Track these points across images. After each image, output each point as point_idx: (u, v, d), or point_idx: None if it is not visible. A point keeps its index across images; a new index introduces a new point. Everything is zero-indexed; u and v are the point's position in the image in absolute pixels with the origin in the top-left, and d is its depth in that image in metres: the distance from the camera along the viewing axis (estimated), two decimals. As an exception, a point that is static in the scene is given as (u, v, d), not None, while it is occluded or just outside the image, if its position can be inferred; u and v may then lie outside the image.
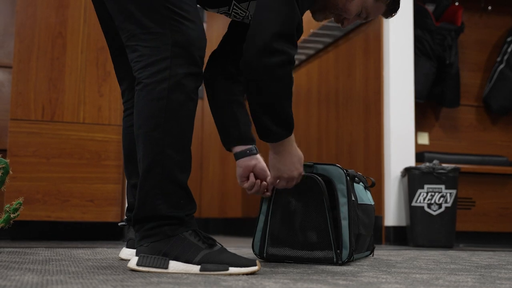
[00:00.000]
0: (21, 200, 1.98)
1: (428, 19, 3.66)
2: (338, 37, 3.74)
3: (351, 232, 1.64)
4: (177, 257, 1.32)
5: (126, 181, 1.82)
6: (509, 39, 3.95)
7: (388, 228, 3.12)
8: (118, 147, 2.93)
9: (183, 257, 1.32)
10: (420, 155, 3.41)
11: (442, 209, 2.95)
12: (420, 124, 3.72)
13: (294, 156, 1.57)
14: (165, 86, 1.35)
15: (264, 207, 1.72)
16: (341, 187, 1.66)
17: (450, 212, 2.96)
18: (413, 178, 2.97)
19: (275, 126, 1.48)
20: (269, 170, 1.62)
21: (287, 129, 1.50)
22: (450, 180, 2.95)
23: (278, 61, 1.41)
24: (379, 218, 3.13)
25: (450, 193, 2.96)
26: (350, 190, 1.67)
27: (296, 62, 4.38)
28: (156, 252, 1.32)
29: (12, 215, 1.93)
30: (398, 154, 3.14)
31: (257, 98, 1.47)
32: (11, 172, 1.98)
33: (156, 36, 1.36)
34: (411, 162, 3.14)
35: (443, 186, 2.95)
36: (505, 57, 3.91)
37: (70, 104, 2.91)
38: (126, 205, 1.84)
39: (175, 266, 1.31)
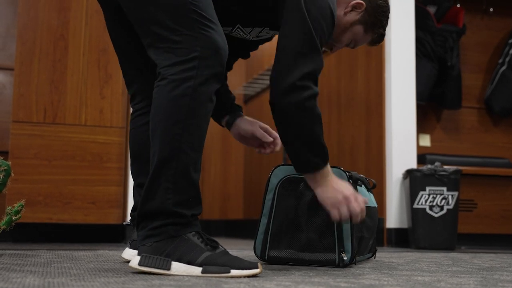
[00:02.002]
0: (22, 202, 1.98)
1: (430, 20, 3.66)
2: (339, 39, 3.74)
3: (353, 235, 1.64)
4: (180, 258, 1.32)
5: (133, 182, 1.81)
6: (510, 41, 3.95)
7: (389, 230, 3.11)
8: (120, 149, 2.94)
9: (185, 258, 1.32)
10: (422, 157, 3.40)
11: (444, 211, 2.95)
12: (422, 126, 3.72)
13: (336, 181, 1.57)
14: (190, 84, 1.39)
15: (266, 209, 1.72)
16: None
17: (452, 214, 2.96)
18: (414, 180, 2.97)
19: (313, 156, 1.54)
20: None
21: (323, 158, 1.55)
22: (451, 182, 2.95)
23: (306, 96, 1.49)
24: (381, 220, 3.13)
25: (452, 195, 2.96)
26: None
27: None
28: (159, 252, 1.33)
29: (13, 217, 1.93)
30: (399, 156, 3.14)
31: (293, 131, 1.53)
32: (12, 174, 1.98)
33: (186, 38, 1.41)
34: (413, 164, 3.14)
35: (444, 188, 2.95)
36: (507, 59, 3.91)
37: (72, 106, 2.91)
38: (132, 205, 1.84)
39: (177, 267, 1.31)
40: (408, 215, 3.03)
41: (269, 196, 1.72)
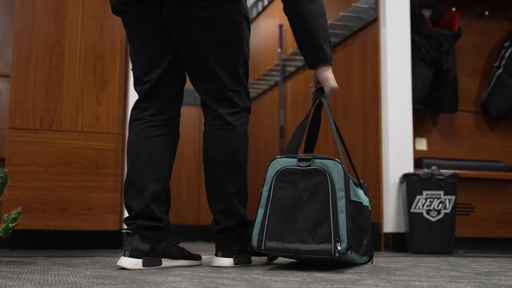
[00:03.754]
0: (19, 209, 1.97)
1: (425, 24, 3.67)
2: (335, 43, 3.74)
3: (348, 225, 1.64)
4: (252, 252, 1.89)
5: (136, 186, 1.78)
6: (506, 44, 3.97)
7: (387, 234, 3.11)
8: (116, 155, 2.93)
9: (253, 252, 1.89)
10: (419, 161, 3.41)
11: (441, 215, 2.95)
12: (418, 130, 3.72)
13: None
14: (246, 127, 1.90)
15: (263, 200, 1.73)
16: (339, 180, 1.66)
17: (449, 218, 2.96)
18: (411, 184, 2.97)
19: (328, 48, 1.86)
20: (325, 84, 1.91)
21: (331, 51, 1.89)
22: (449, 186, 2.95)
23: None
24: (378, 224, 3.13)
25: (449, 199, 2.96)
26: (348, 185, 1.68)
27: (293, 69, 4.38)
28: (244, 252, 1.88)
29: (10, 225, 1.92)
30: (396, 160, 3.14)
31: (311, 16, 1.83)
32: (9, 181, 1.98)
33: (245, 90, 1.90)
34: (410, 168, 3.14)
35: (442, 192, 2.95)
36: (503, 62, 3.92)
37: (68, 113, 2.91)
38: (133, 213, 1.77)
39: (253, 259, 1.91)
40: (406, 219, 3.03)
41: (266, 188, 1.74)
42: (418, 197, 2.95)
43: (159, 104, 1.86)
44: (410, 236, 2.98)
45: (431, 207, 2.95)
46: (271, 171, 1.74)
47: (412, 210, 2.96)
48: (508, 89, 3.87)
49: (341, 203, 1.65)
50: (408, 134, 3.19)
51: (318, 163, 1.70)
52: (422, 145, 3.75)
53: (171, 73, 1.87)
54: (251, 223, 1.81)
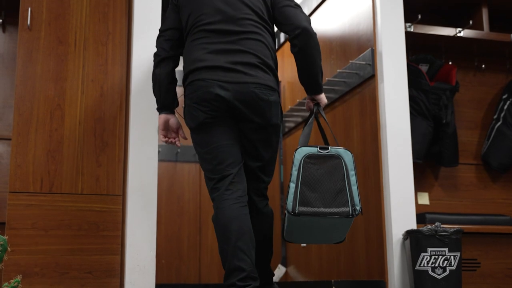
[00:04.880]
0: (19, 278, 1.95)
1: (423, 79, 3.70)
2: (334, 99, 3.77)
3: (359, 194, 2.31)
4: None
5: (243, 252, 2.25)
6: (504, 96, 3.99)
7: (393, 292, 3.06)
8: (116, 217, 2.91)
9: None
10: (421, 216, 3.37)
11: (447, 273, 2.90)
12: (420, 184, 3.71)
13: None
14: None
15: (294, 177, 2.29)
16: (350, 163, 2.33)
17: (455, 275, 2.91)
18: (415, 242, 2.94)
19: (321, 81, 2.52)
20: (321, 101, 2.61)
21: (322, 82, 2.54)
22: (453, 242, 2.92)
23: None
24: (383, 283, 3.07)
25: (454, 256, 2.92)
26: (355, 166, 2.34)
27: (293, 125, 4.40)
28: None
29: (9, 294, 1.89)
30: (399, 216, 3.11)
31: (314, 58, 2.44)
32: (9, 249, 1.96)
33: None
34: (413, 224, 3.11)
35: (446, 249, 2.91)
36: (502, 115, 3.93)
37: (69, 175, 2.90)
38: (245, 273, 2.20)
39: None
40: (411, 277, 2.98)
41: (295, 168, 2.30)
42: (422, 254, 2.91)
43: (242, 187, 2.37)
44: (416, 294, 2.93)
45: (436, 264, 2.90)
46: (298, 155, 2.33)
47: (417, 267, 2.92)
48: (508, 141, 3.87)
49: (353, 179, 2.32)
50: (410, 190, 3.17)
51: (333, 151, 2.35)
52: (424, 199, 3.73)
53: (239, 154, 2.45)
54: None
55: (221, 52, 2.35)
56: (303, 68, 2.46)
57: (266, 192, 2.53)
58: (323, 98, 2.58)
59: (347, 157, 2.34)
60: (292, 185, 2.27)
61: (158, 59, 2.50)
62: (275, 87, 2.42)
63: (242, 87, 2.32)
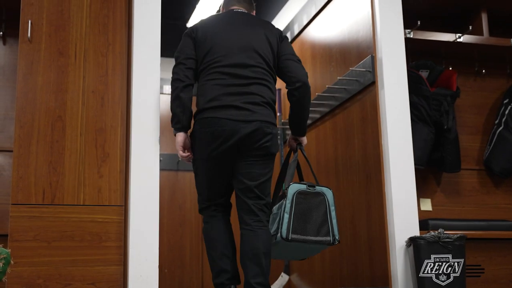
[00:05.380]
0: (21, 290, 1.95)
1: (423, 85, 3.69)
2: (334, 106, 3.77)
3: (337, 226, 2.80)
4: None
5: (227, 257, 2.77)
6: (505, 101, 3.99)
7: (397, 299, 3.04)
8: (118, 227, 2.91)
9: None
10: (424, 222, 3.36)
11: (451, 279, 2.89)
12: (422, 190, 3.70)
13: None
14: None
15: (287, 209, 2.71)
16: (331, 200, 2.82)
17: (459, 282, 2.90)
18: (418, 248, 2.93)
19: (306, 126, 3.00)
20: (302, 141, 3.04)
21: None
22: (456, 248, 2.91)
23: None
24: (387, 290, 3.07)
25: (458, 262, 2.91)
26: (335, 202, 2.82)
27: (295, 132, 4.40)
28: None
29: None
30: (401, 223, 3.10)
31: (307, 107, 2.90)
32: (12, 262, 1.96)
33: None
34: (416, 231, 3.10)
35: (450, 256, 2.90)
36: (503, 119, 3.92)
37: (70, 187, 2.90)
38: (229, 274, 2.74)
39: None
40: (414, 284, 2.97)
41: (289, 201, 2.73)
42: (426, 261, 2.90)
43: (227, 210, 2.90)
44: (420, 301, 2.91)
45: (440, 271, 2.89)
46: (291, 191, 2.76)
47: (421, 274, 2.91)
48: (510, 146, 3.85)
49: (333, 213, 2.80)
50: (412, 196, 3.16)
51: (318, 189, 2.82)
52: (427, 205, 3.72)
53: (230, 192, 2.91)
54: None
55: (235, 94, 2.73)
56: (296, 114, 2.90)
57: (266, 217, 2.79)
58: (305, 139, 3.02)
59: (329, 195, 2.81)
60: (286, 215, 2.70)
61: (183, 84, 2.78)
62: (275, 122, 2.83)
63: (251, 123, 2.71)
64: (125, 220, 2.92)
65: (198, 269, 4.79)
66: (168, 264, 4.88)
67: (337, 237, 2.76)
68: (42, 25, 3.00)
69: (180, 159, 4.46)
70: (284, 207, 2.71)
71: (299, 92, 2.83)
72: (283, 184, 2.94)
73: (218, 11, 3.17)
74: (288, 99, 2.89)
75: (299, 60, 2.92)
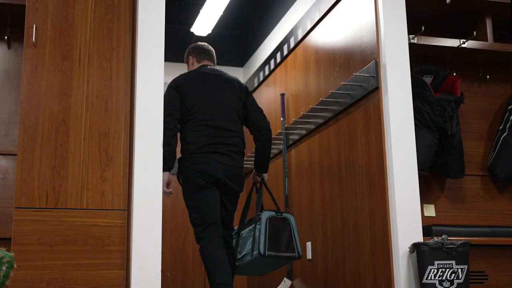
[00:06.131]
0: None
1: (427, 91, 3.69)
2: (338, 111, 3.77)
3: (300, 244, 3.41)
4: None
5: (228, 276, 3.22)
6: (510, 107, 3.97)
7: (400, 305, 3.03)
8: (121, 231, 2.91)
9: None
10: (428, 228, 3.35)
11: (455, 286, 2.88)
12: (426, 196, 3.69)
13: None
14: None
15: (262, 231, 3.29)
16: (294, 223, 3.42)
17: (463, 288, 2.89)
18: (422, 254, 2.92)
19: (269, 162, 3.69)
20: (265, 177, 3.72)
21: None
22: (460, 255, 2.90)
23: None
24: (390, 296, 3.05)
25: (462, 269, 2.90)
26: (296, 225, 3.44)
27: (297, 137, 4.40)
28: None
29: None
30: (405, 228, 3.09)
31: (270, 148, 3.61)
32: (15, 265, 1.96)
33: None
34: (419, 237, 3.09)
35: (453, 262, 2.89)
36: (508, 125, 3.91)
37: (74, 190, 2.91)
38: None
39: None
40: (418, 290, 2.96)
41: (263, 225, 3.32)
42: (429, 267, 2.89)
43: (220, 230, 3.37)
44: (424, 307, 2.90)
45: (444, 277, 2.88)
46: (265, 216, 3.35)
47: (424, 280, 2.90)
48: (514, 152, 3.84)
49: (296, 234, 3.41)
50: (416, 202, 3.16)
51: (284, 215, 3.43)
52: (431, 211, 3.71)
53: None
54: None
55: (219, 143, 3.39)
56: (261, 156, 3.60)
57: (231, 241, 3.54)
58: (267, 174, 3.70)
59: (292, 219, 3.44)
60: (262, 237, 3.29)
61: (173, 134, 3.33)
62: (243, 166, 3.52)
63: (230, 168, 3.40)
64: (128, 224, 2.92)
65: (201, 274, 4.79)
66: (171, 269, 4.87)
67: (300, 253, 3.38)
68: (46, 29, 3.01)
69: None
70: (259, 230, 3.31)
71: (265, 137, 3.54)
72: (260, 211, 3.50)
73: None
74: (255, 143, 3.57)
75: (262, 111, 3.63)
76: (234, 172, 3.42)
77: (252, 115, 3.57)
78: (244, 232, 3.45)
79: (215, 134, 3.40)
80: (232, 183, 3.41)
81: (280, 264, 3.51)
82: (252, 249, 3.30)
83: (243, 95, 3.58)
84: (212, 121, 3.42)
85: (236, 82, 3.62)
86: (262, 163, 3.61)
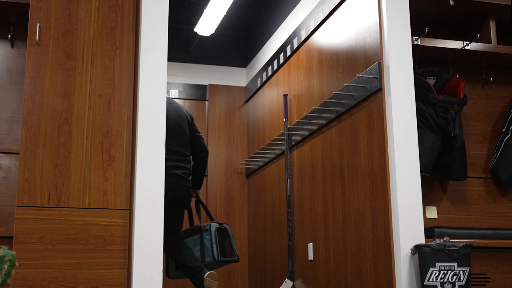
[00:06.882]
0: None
1: (430, 92, 3.68)
2: (340, 112, 3.77)
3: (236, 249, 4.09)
4: None
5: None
6: (513, 109, 3.97)
7: (401, 307, 3.03)
8: (123, 231, 2.91)
9: None
10: (430, 230, 3.35)
11: (456, 288, 2.87)
12: (428, 198, 3.68)
13: None
14: None
15: (214, 239, 3.97)
16: (230, 232, 4.09)
17: (464, 290, 2.88)
18: (424, 256, 2.91)
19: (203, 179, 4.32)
20: (199, 194, 4.37)
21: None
22: (462, 257, 2.89)
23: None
24: (391, 298, 3.05)
25: (463, 271, 2.89)
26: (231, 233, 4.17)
27: (299, 138, 4.40)
28: None
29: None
30: (407, 230, 3.08)
31: (205, 166, 4.23)
32: (17, 264, 1.96)
33: None
34: (421, 238, 3.09)
35: (455, 264, 2.89)
36: (510, 128, 3.90)
37: (76, 189, 2.91)
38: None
39: None
40: (419, 292, 2.96)
41: (214, 235, 3.97)
42: (431, 269, 2.89)
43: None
44: (425, 309, 2.90)
45: (445, 280, 2.87)
46: (213, 228, 4.01)
47: (426, 282, 2.89)
48: (517, 154, 3.84)
49: (233, 241, 4.08)
50: (418, 203, 3.15)
51: (224, 226, 4.08)
52: (433, 213, 3.70)
53: None
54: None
55: (176, 167, 3.89)
56: (198, 173, 4.19)
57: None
58: (199, 191, 4.36)
59: (229, 228, 4.11)
60: (215, 245, 3.96)
61: None
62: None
63: (185, 188, 3.94)
64: (129, 223, 2.93)
65: (203, 274, 4.78)
66: (173, 268, 4.86)
67: (238, 256, 4.11)
68: (50, 28, 3.01)
69: None
70: (210, 240, 3.98)
71: (204, 159, 4.21)
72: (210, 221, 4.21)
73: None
74: (194, 163, 4.15)
75: (202, 136, 4.23)
76: (187, 192, 4.03)
77: (196, 140, 4.17)
78: (189, 240, 4.04)
79: (175, 157, 3.94)
80: (184, 199, 4.03)
81: (218, 267, 4.13)
82: (202, 255, 3.95)
83: (190, 121, 4.20)
84: (173, 146, 3.94)
85: (184, 110, 4.26)
86: (197, 180, 4.21)
